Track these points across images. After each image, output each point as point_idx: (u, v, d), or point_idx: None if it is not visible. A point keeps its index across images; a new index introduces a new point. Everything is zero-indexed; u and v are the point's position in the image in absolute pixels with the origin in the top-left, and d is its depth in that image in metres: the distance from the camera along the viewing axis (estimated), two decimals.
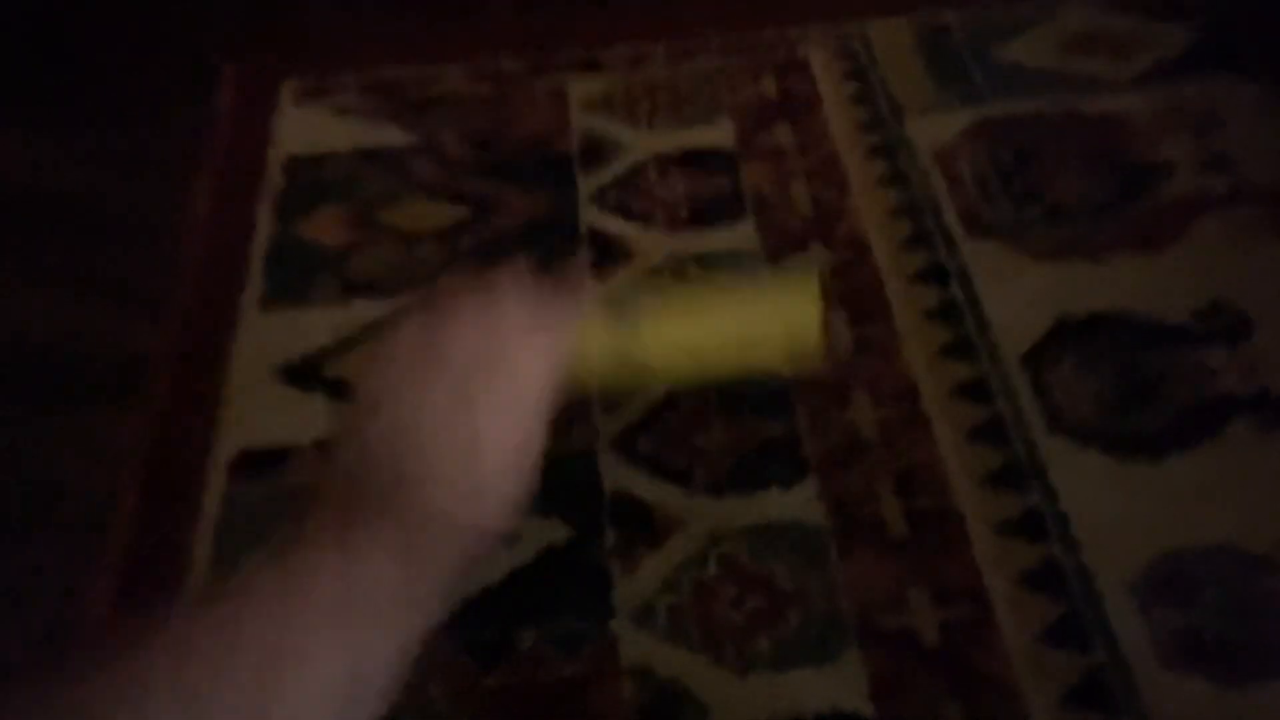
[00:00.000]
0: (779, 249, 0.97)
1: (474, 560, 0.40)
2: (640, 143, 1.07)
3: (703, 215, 1.00)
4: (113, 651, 0.34)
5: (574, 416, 0.70)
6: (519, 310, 0.43)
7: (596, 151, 1.06)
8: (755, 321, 0.51)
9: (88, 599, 0.76)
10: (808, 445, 0.83)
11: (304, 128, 1.09)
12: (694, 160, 1.05)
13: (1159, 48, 1.16)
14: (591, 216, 1.00)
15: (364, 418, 0.41)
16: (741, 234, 0.98)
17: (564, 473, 0.67)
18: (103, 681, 0.33)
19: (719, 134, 1.08)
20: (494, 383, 0.41)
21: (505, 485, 0.40)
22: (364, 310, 0.93)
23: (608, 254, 0.97)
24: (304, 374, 0.89)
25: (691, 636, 0.74)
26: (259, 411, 0.86)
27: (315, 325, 0.92)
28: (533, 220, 1.00)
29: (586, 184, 1.03)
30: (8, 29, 1.19)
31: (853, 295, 0.93)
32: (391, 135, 1.08)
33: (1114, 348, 0.90)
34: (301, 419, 0.86)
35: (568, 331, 0.44)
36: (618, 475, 0.82)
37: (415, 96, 1.13)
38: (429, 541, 0.38)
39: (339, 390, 0.87)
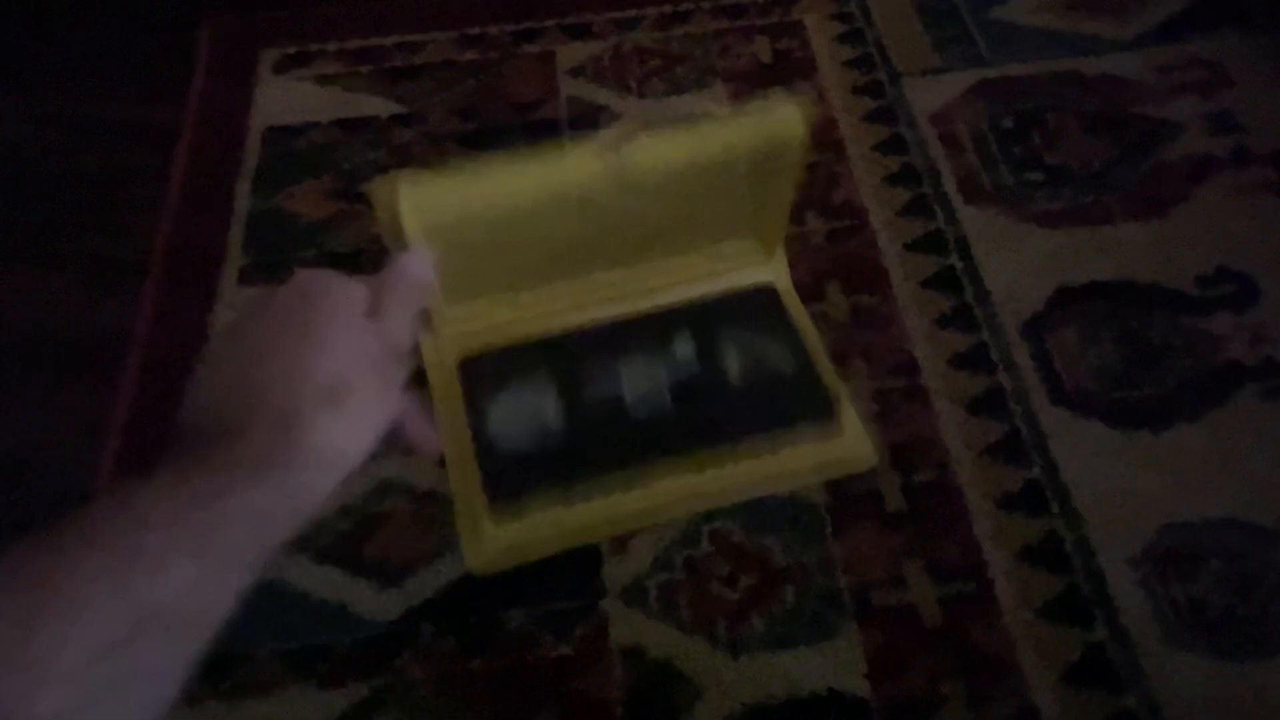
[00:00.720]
0: None
1: (290, 504, 0.42)
2: (630, 109, 1.04)
3: None
4: None
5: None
6: (346, 294, 0.47)
7: (585, 119, 1.03)
8: (742, 128, 0.54)
9: None
10: None
11: (284, 97, 1.06)
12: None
13: (1163, 4, 1.13)
14: None
15: (203, 369, 0.44)
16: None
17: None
18: None
19: (711, 99, 1.05)
20: (300, 325, 0.44)
21: (316, 430, 0.42)
22: None
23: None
24: None
25: (684, 616, 0.73)
26: None
27: None
28: None
29: None
30: None
31: (849, 264, 0.90)
32: (374, 105, 1.05)
33: (1117, 316, 0.88)
34: None
35: (398, 321, 0.48)
36: None
37: (400, 64, 1.09)
38: (236, 482, 0.40)
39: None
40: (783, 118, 0.57)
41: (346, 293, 0.47)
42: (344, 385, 0.44)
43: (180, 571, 0.37)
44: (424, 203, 0.52)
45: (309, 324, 0.45)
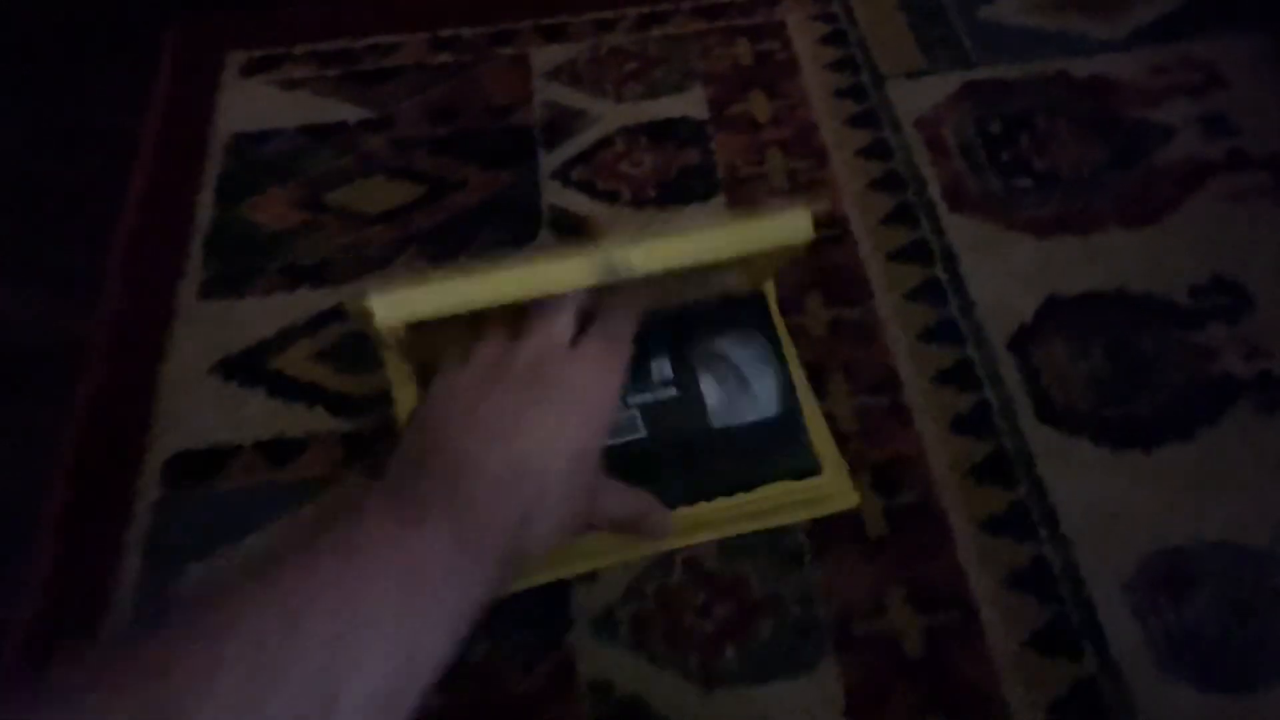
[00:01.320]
0: None
1: (519, 554, 0.43)
2: (606, 114, 1.01)
3: (672, 192, 0.94)
4: (182, 621, 0.35)
5: None
6: (568, 331, 0.50)
7: (560, 124, 1.00)
8: (747, 235, 0.53)
9: (10, 610, 0.72)
10: None
11: (249, 102, 1.03)
12: (663, 132, 0.99)
13: (1155, 4, 1.09)
14: (553, 194, 0.94)
15: (432, 409, 0.45)
16: (713, 211, 0.93)
17: None
18: (175, 652, 0.34)
19: (690, 103, 1.02)
20: (554, 386, 0.46)
21: (557, 466, 0.44)
22: (309, 298, 0.87)
23: (570, 235, 0.91)
24: (245, 367, 0.83)
25: (655, 648, 0.69)
26: (196, 408, 0.81)
27: (257, 314, 0.86)
28: (490, 199, 0.94)
29: (549, 159, 0.97)
30: None
31: (829, 274, 0.87)
32: (343, 110, 1.02)
33: (1107, 327, 0.85)
34: (241, 417, 0.80)
35: (622, 344, 0.51)
36: None
37: (370, 67, 1.06)
38: (478, 528, 0.41)
39: (282, 386, 0.82)
40: (790, 225, 0.55)
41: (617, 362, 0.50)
42: (581, 457, 0.45)
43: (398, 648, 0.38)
44: (398, 310, 0.50)
45: (551, 388, 0.46)
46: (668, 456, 0.62)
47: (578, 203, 0.94)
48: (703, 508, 0.61)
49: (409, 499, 0.41)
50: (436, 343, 0.62)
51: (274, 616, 0.35)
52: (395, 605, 0.38)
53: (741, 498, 0.62)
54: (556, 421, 0.44)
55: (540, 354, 0.48)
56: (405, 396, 0.69)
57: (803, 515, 0.70)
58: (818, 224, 0.54)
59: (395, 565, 0.39)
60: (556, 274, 0.50)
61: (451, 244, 0.91)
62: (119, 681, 0.33)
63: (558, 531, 0.45)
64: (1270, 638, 0.69)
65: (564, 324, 0.50)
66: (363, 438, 0.78)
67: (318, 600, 0.36)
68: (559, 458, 0.44)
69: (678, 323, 0.66)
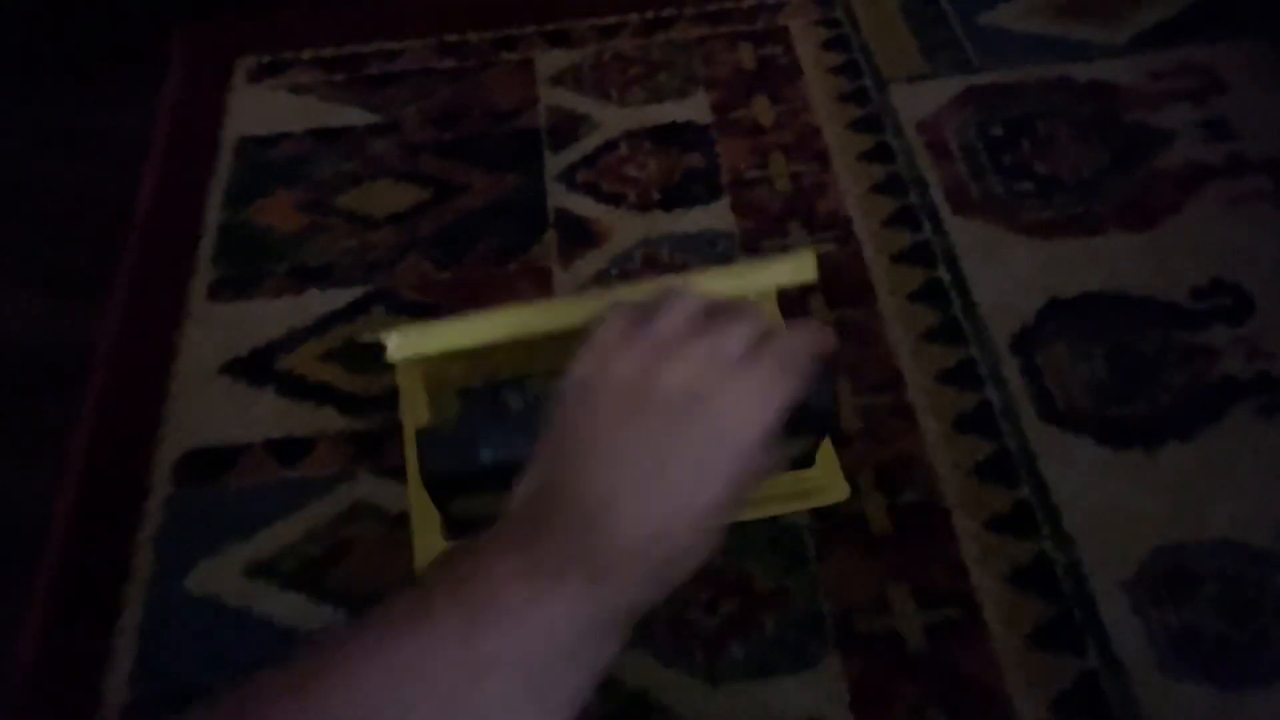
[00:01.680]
0: (756, 231, 0.92)
1: (655, 599, 0.39)
2: (611, 118, 1.02)
3: (676, 195, 0.95)
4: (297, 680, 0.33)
5: None
6: (741, 345, 0.41)
7: (564, 128, 1.01)
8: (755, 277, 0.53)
9: (23, 607, 0.72)
10: None
11: (257, 107, 1.04)
12: (667, 136, 1.00)
13: (1155, 9, 1.10)
14: (559, 197, 0.95)
15: (566, 426, 0.39)
16: (717, 214, 0.93)
17: None
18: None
19: (694, 108, 1.02)
20: (703, 421, 0.39)
21: (696, 528, 0.38)
22: (317, 300, 0.88)
23: (575, 237, 0.92)
24: (254, 367, 0.84)
25: (661, 644, 0.70)
26: (207, 408, 0.82)
27: (266, 316, 0.87)
28: (496, 201, 0.95)
29: (554, 163, 0.98)
30: None
31: (833, 277, 0.88)
32: (350, 114, 1.03)
33: (1109, 329, 0.85)
34: (251, 416, 0.81)
35: (792, 379, 0.41)
36: None
37: (376, 72, 1.07)
38: (616, 579, 0.37)
39: (290, 385, 0.83)
40: (795, 268, 0.57)
41: (745, 365, 0.40)
42: (731, 490, 0.39)
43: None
44: (410, 348, 0.52)
45: (704, 414, 0.39)
46: None
47: (583, 206, 0.94)
48: None
49: (536, 550, 0.37)
50: (450, 376, 0.63)
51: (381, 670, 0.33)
52: (515, 681, 0.35)
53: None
54: (706, 470, 0.39)
55: (702, 369, 0.40)
56: (414, 419, 0.70)
57: (795, 506, 0.71)
58: (822, 264, 0.56)
59: (516, 633, 0.35)
60: (565, 316, 0.50)
61: (457, 247, 0.91)
62: None
63: (681, 580, 0.40)
64: (1271, 636, 0.70)
65: (742, 335, 0.41)
66: (371, 436, 0.79)
67: (430, 672, 0.34)
68: (701, 514, 0.39)
69: None
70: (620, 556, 0.37)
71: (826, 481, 0.64)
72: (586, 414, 0.40)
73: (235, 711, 0.33)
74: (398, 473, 0.76)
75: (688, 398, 0.39)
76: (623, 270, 0.89)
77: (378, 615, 0.35)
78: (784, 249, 0.90)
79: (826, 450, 0.64)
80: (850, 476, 0.75)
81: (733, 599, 0.72)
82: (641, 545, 0.38)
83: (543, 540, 0.37)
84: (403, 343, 0.51)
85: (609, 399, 0.40)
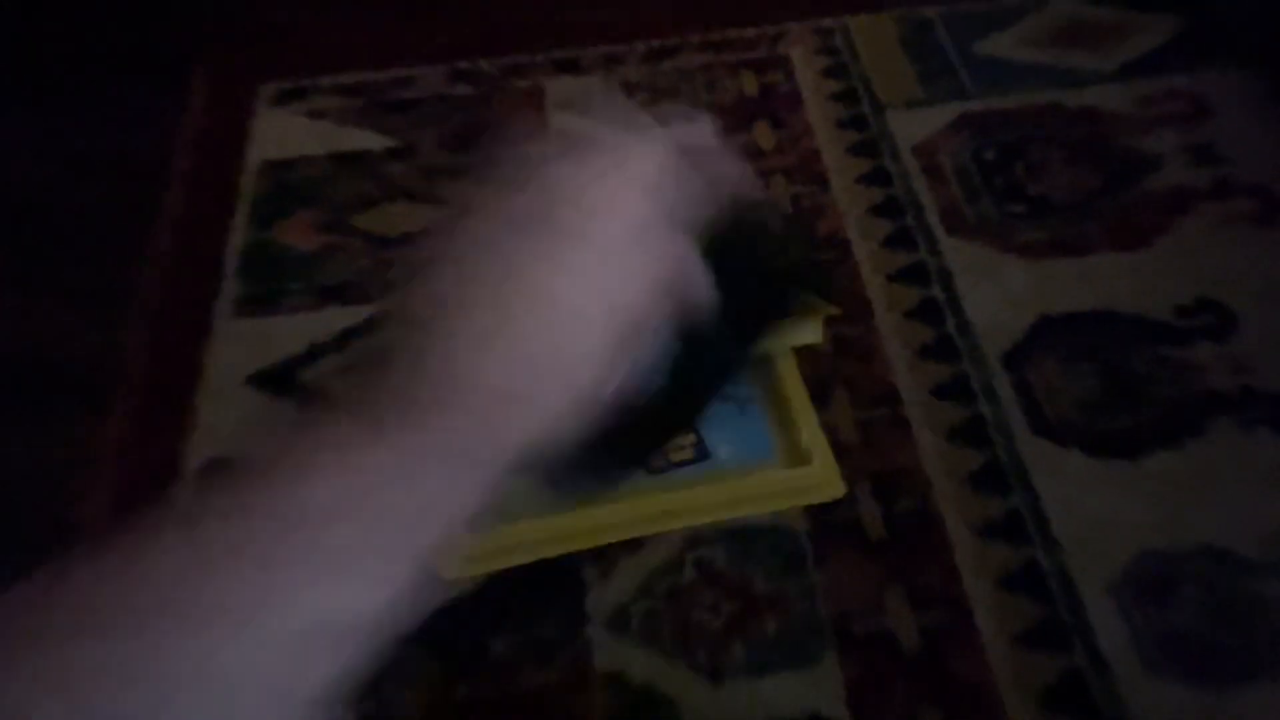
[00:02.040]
0: None
1: (539, 449, 0.32)
2: None
3: None
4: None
5: None
6: (636, 161, 0.35)
7: None
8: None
9: None
10: None
11: (279, 131, 1.08)
12: None
13: (1145, 38, 1.14)
14: None
15: (422, 267, 0.33)
16: None
17: None
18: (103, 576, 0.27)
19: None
20: (586, 238, 0.34)
21: (588, 356, 0.32)
22: (336, 316, 0.92)
23: None
24: (277, 380, 0.88)
25: (666, 643, 0.73)
26: (231, 420, 0.85)
27: (288, 331, 0.91)
28: None
29: None
30: None
31: (832, 295, 0.92)
32: (367, 138, 1.07)
33: (1098, 346, 0.89)
34: (274, 427, 0.85)
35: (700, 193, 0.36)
36: None
37: (392, 98, 1.11)
38: (478, 434, 0.31)
39: (311, 398, 0.86)
40: (803, 332, 0.59)
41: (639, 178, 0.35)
42: (631, 306, 0.33)
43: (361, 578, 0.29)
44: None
45: (589, 231, 0.33)
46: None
47: None
48: (696, 491, 0.64)
49: (372, 409, 0.31)
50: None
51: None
52: (311, 563, 0.29)
53: (734, 483, 0.65)
54: (577, 276, 0.33)
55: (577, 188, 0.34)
56: None
57: (792, 503, 0.72)
58: (829, 322, 0.58)
59: (331, 507, 0.29)
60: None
61: None
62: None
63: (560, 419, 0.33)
64: (1251, 638, 0.73)
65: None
66: None
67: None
68: (589, 331, 0.33)
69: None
70: (480, 411, 0.31)
71: (823, 479, 0.66)
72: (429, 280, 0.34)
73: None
74: None
75: (543, 203, 0.35)
76: None
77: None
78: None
79: (824, 449, 0.65)
80: (848, 485, 0.79)
81: (735, 601, 0.75)
82: (506, 395, 0.32)
83: (381, 392, 0.32)
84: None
85: (475, 221, 0.35)
